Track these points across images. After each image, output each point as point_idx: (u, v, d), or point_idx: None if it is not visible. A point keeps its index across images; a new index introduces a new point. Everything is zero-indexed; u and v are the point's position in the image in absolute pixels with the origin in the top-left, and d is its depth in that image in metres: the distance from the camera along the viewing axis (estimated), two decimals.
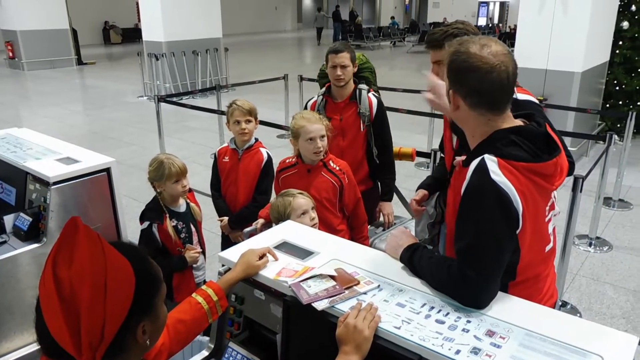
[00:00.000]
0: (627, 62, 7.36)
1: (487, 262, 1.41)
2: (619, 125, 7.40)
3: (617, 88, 7.39)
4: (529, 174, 1.43)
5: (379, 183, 3.29)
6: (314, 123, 2.66)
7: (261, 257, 1.65)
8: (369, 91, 3.17)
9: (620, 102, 7.44)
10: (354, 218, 2.84)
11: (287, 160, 2.85)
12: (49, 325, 0.99)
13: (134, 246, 1.16)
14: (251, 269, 1.62)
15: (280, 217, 2.33)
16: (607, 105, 7.42)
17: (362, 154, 3.19)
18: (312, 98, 3.29)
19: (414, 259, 1.57)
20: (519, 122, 1.53)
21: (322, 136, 2.66)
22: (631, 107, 7.25)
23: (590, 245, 4.49)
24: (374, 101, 3.14)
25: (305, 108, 3.24)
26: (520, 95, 2.08)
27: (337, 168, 2.75)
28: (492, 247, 1.41)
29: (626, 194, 5.58)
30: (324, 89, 3.24)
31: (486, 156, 1.43)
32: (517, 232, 1.44)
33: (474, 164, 1.45)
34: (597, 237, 4.58)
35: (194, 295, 1.57)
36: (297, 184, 2.66)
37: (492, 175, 1.39)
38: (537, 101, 2.13)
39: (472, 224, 1.42)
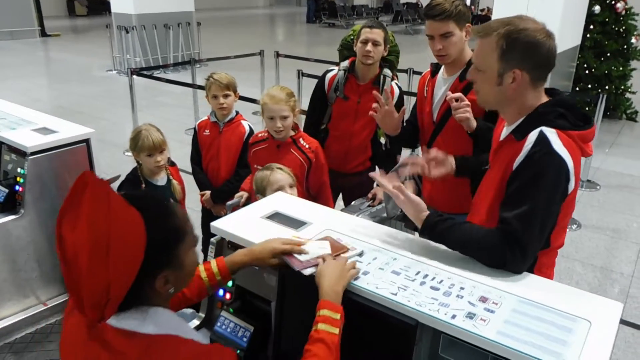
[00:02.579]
0: (597, 47, 7.51)
1: (544, 229, 1.52)
2: (587, 109, 7.59)
3: (587, 72, 7.56)
4: (580, 141, 1.55)
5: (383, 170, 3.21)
6: (276, 103, 2.60)
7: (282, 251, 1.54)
8: (392, 79, 3.01)
9: (589, 86, 7.61)
10: (318, 200, 2.77)
11: (259, 135, 2.83)
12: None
13: (156, 200, 1.14)
14: (262, 261, 1.54)
15: (258, 190, 2.34)
16: (577, 89, 7.59)
17: (369, 139, 3.10)
18: (331, 70, 3.10)
19: (439, 227, 1.58)
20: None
21: (284, 117, 2.61)
22: (600, 90, 7.43)
23: None
24: (396, 91, 2.97)
25: (323, 80, 3.06)
26: None
27: (307, 146, 2.73)
28: (549, 216, 1.52)
29: (594, 175, 5.77)
30: (346, 63, 3.04)
31: (544, 129, 1.52)
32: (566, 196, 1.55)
33: (532, 136, 1.52)
34: None
35: (200, 267, 1.52)
36: (267, 158, 2.64)
37: (555, 147, 1.48)
38: None
39: (535, 193, 1.48)
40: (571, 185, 1.52)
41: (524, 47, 1.52)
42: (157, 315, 1.08)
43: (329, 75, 3.06)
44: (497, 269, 1.49)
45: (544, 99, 1.62)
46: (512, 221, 1.48)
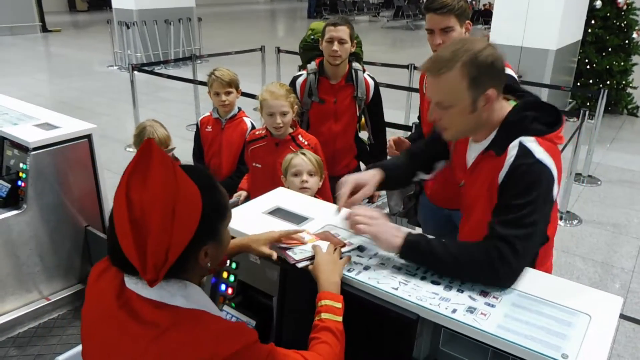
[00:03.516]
0: (598, 42, 7.50)
1: (536, 241, 1.49)
2: (588, 104, 7.58)
3: (588, 67, 7.55)
4: (556, 140, 1.54)
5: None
6: (276, 98, 2.59)
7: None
8: (363, 71, 2.99)
9: (591, 81, 7.60)
10: (318, 196, 2.80)
11: (257, 132, 2.81)
12: (120, 241, 1.03)
13: (205, 173, 1.18)
14: (256, 246, 1.56)
15: (284, 172, 2.40)
16: (578, 84, 7.58)
17: (353, 137, 3.08)
18: (300, 75, 3.02)
19: (422, 247, 1.46)
20: (508, 99, 1.62)
21: (284, 113, 2.60)
22: (601, 85, 7.42)
23: (561, 219, 4.64)
24: (371, 83, 2.97)
25: (293, 85, 2.97)
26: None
27: (306, 143, 2.72)
28: (540, 229, 1.48)
29: (595, 171, 5.76)
30: (313, 65, 2.97)
31: (523, 139, 1.49)
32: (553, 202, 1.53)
33: (512, 149, 1.49)
34: (568, 212, 4.73)
35: None
36: (266, 156, 2.64)
37: (538, 156, 1.45)
38: (514, 74, 2.21)
39: (528, 207, 1.42)
40: (556, 190, 1.49)
41: (489, 66, 1.48)
42: (188, 290, 1.12)
43: (299, 81, 2.98)
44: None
45: (506, 105, 1.59)
46: (510, 238, 1.40)
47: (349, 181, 1.71)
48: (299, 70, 3.09)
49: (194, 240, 1.05)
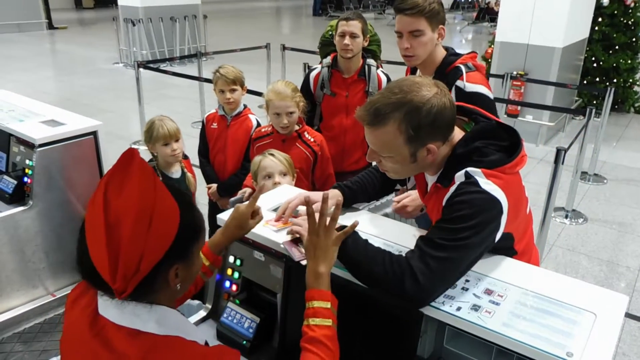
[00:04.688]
0: (605, 39, 7.46)
1: (457, 267, 1.36)
2: (594, 102, 7.54)
3: (595, 65, 7.50)
4: (511, 170, 1.44)
5: None
6: (282, 99, 2.59)
7: (254, 214, 1.55)
8: (377, 67, 2.99)
9: (597, 79, 7.56)
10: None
11: (263, 130, 2.82)
12: (90, 248, 1.00)
13: (184, 192, 1.16)
14: (242, 229, 1.55)
15: (254, 175, 2.34)
16: (585, 82, 7.54)
17: (364, 133, 3.07)
18: (315, 68, 3.07)
19: (349, 242, 1.39)
20: (463, 121, 1.53)
21: (290, 113, 2.61)
22: (607, 84, 7.38)
23: (566, 217, 4.63)
24: (384, 79, 2.97)
25: (307, 79, 3.04)
26: (469, 86, 2.03)
27: (312, 140, 2.73)
28: (471, 257, 1.37)
29: (601, 169, 5.74)
30: (328, 59, 3.01)
31: (470, 169, 1.39)
32: (498, 233, 1.41)
33: (458, 178, 1.40)
34: (573, 210, 4.71)
35: None
36: None
37: (483, 186, 1.36)
38: (486, 91, 2.06)
39: (454, 231, 1.33)
40: (503, 220, 1.37)
41: (431, 121, 1.35)
42: (160, 313, 1.07)
43: (313, 74, 3.03)
44: (496, 262, 1.49)
45: (457, 133, 1.47)
46: (427, 256, 1.31)
47: (299, 196, 1.69)
48: (305, 68, 3.10)
49: (165, 256, 1.01)
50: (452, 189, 1.41)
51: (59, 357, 1.18)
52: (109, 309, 1.05)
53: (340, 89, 2.97)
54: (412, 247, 1.39)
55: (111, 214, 0.98)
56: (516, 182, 1.47)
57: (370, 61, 2.98)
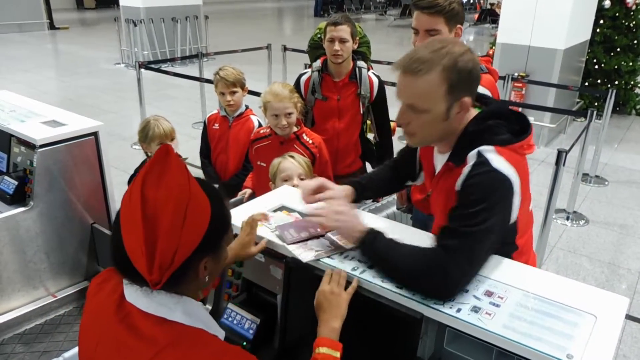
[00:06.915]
0: (607, 41, 7.46)
1: (481, 251, 1.39)
2: (596, 104, 7.54)
3: (596, 67, 7.50)
4: (523, 150, 1.48)
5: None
6: (280, 100, 2.59)
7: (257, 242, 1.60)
8: (368, 69, 2.98)
9: (599, 81, 7.56)
10: None
11: (262, 131, 2.82)
12: (126, 240, 1.02)
13: (214, 187, 1.19)
14: (241, 257, 1.59)
15: (272, 177, 2.34)
16: (586, 84, 7.54)
17: (357, 136, 3.06)
18: (305, 73, 3.04)
19: (377, 244, 1.44)
20: (474, 105, 1.55)
21: (288, 114, 2.61)
22: (609, 86, 7.38)
23: (567, 219, 4.62)
24: (375, 81, 2.96)
25: (298, 84, 3.00)
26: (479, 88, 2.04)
27: (311, 142, 2.72)
28: (491, 239, 1.39)
29: (602, 171, 5.73)
30: (318, 62, 2.99)
31: (482, 148, 1.42)
32: (512, 213, 1.44)
33: (471, 159, 1.42)
34: (575, 212, 4.70)
35: None
36: (270, 155, 2.64)
37: (494, 165, 1.38)
38: (489, 94, 2.03)
39: (473, 215, 1.36)
40: (517, 201, 1.42)
41: (468, 73, 1.42)
42: (187, 304, 1.10)
43: (304, 79, 3.00)
44: (496, 264, 1.49)
45: (472, 112, 1.51)
46: (454, 249, 1.34)
47: (317, 179, 1.73)
48: (306, 68, 3.09)
49: (197, 249, 1.04)
50: (465, 170, 1.42)
51: (59, 357, 1.18)
52: (137, 296, 1.08)
53: (331, 93, 2.95)
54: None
55: (149, 207, 1.00)
56: (525, 166, 1.50)
57: (361, 63, 2.96)
